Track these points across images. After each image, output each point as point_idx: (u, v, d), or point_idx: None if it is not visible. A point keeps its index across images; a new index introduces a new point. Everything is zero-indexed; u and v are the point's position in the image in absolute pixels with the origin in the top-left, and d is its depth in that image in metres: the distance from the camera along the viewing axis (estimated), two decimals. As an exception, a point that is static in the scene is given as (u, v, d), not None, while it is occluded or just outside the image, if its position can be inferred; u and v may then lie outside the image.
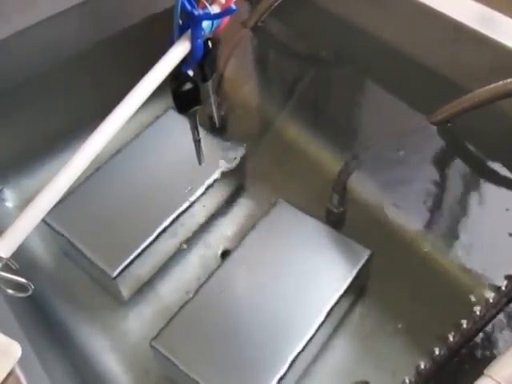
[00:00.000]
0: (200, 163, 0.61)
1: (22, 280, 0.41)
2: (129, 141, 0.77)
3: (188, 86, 0.53)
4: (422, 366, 0.45)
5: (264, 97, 0.90)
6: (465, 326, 0.47)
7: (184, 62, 0.50)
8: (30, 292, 0.41)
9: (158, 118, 0.79)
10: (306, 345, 0.59)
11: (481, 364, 0.41)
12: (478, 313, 0.47)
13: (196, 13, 0.47)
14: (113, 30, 0.78)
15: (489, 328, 0.48)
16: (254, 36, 0.84)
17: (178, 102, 0.54)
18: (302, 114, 0.86)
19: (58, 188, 0.42)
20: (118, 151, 0.76)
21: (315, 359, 0.64)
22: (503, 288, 0.48)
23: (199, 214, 0.74)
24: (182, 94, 0.53)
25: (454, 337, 0.46)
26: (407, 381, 0.45)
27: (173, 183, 0.73)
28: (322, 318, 0.60)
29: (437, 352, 0.46)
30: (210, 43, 0.53)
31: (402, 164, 0.71)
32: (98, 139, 0.44)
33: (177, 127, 0.77)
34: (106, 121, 0.44)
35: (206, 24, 0.49)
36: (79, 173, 0.43)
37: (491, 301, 0.47)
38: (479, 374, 0.39)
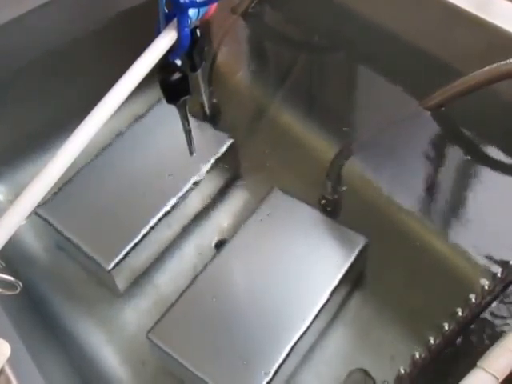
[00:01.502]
0: (191, 154, 0.61)
1: (10, 278, 0.40)
2: (121, 132, 0.77)
3: (176, 75, 0.52)
4: (418, 356, 0.45)
5: (257, 84, 0.89)
6: (460, 314, 0.46)
7: (171, 52, 0.49)
8: (18, 290, 0.41)
9: (151, 107, 0.79)
10: (304, 333, 0.59)
11: (476, 353, 0.41)
12: (473, 300, 0.47)
13: (182, 0, 0.46)
14: (100, 19, 0.77)
15: (484, 316, 0.48)
16: (244, 22, 0.82)
17: (166, 93, 0.53)
18: (296, 101, 0.85)
19: (42, 185, 0.41)
20: (111, 143, 0.75)
21: (313, 347, 0.64)
22: (499, 275, 0.47)
23: (194, 203, 0.74)
24: (170, 84, 0.52)
25: (449, 325, 0.46)
26: (402, 371, 0.45)
27: (167, 173, 0.72)
28: (319, 307, 0.60)
29: (432, 341, 0.46)
30: (198, 31, 0.52)
31: (396, 150, 0.70)
32: (83, 133, 0.43)
33: (170, 117, 0.76)
34: (90, 114, 0.44)
35: (192, 12, 0.48)
36: (64, 168, 0.43)
37: (486, 288, 0.47)
38: (474, 363, 0.39)
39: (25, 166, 0.81)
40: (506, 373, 0.37)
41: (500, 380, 0.37)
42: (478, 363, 0.38)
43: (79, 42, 0.77)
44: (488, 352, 0.39)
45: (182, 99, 0.55)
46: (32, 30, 0.73)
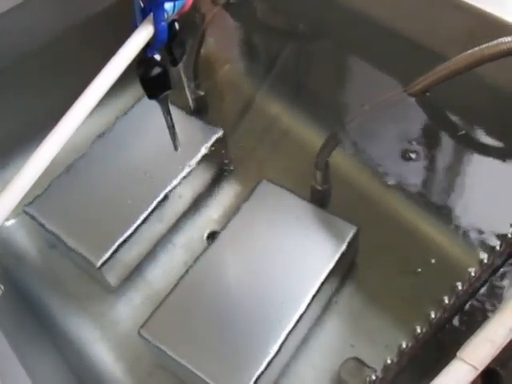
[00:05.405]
0: (176, 149, 0.60)
1: (-9, 282, 0.40)
2: (109, 128, 0.76)
3: (156, 70, 0.52)
4: (404, 345, 0.45)
5: (244, 75, 0.89)
6: (447, 301, 0.46)
7: (149, 47, 0.49)
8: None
9: (136, 102, 0.78)
10: (296, 324, 0.59)
11: (461, 342, 0.41)
12: (460, 287, 0.46)
13: (156, -6, 0.46)
14: (77, 17, 0.76)
15: (471, 303, 0.48)
16: (226, 13, 0.82)
17: (146, 88, 0.53)
18: (283, 91, 0.84)
19: (22, 185, 0.41)
20: (98, 139, 0.75)
21: (307, 338, 0.64)
22: (485, 261, 0.47)
23: (184, 197, 0.74)
24: (150, 79, 0.52)
25: (436, 313, 0.46)
26: (389, 361, 0.45)
27: (155, 168, 0.72)
28: (311, 296, 0.60)
29: (419, 330, 0.46)
30: (176, 25, 0.51)
31: (382, 137, 0.70)
32: (60, 132, 0.43)
33: (157, 111, 0.76)
34: (67, 113, 0.43)
35: (168, 6, 0.48)
36: (43, 167, 0.42)
37: (473, 274, 0.46)
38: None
39: (13, 161, 0.80)
40: (486, 363, 0.37)
41: (480, 370, 0.36)
42: (458, 354, 0.38)
43: (56, 41, 0.76)
44: (467, 342, 0.38)
45: (163, 94, 0.54)
46: (6, 31, 0.72)
